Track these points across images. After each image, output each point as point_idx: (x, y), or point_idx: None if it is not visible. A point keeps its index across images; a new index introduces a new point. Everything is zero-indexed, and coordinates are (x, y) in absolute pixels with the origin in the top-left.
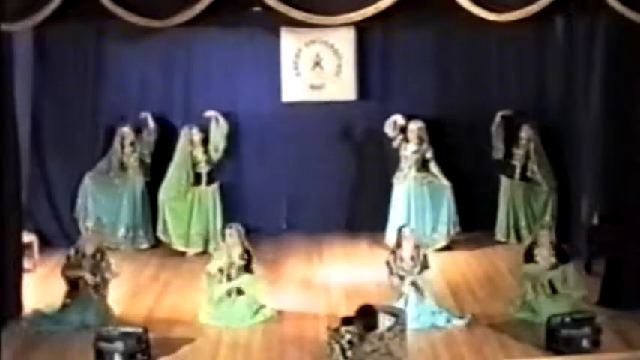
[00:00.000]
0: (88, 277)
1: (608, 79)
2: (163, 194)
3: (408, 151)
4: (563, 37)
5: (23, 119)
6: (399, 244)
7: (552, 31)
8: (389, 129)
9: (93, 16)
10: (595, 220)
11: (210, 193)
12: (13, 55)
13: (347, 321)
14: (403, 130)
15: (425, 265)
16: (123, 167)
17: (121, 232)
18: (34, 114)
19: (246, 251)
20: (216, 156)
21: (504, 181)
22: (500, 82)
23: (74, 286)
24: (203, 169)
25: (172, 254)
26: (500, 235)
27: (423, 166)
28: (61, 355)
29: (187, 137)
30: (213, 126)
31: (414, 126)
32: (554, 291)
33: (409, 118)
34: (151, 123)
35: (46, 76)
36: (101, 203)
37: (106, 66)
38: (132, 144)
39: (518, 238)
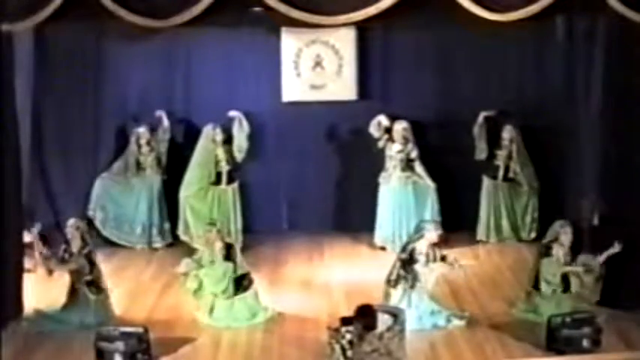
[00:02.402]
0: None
1: (607, 78)
2: (185, 193)
3: (393, 151)
4: (564, 37)
5: (23, 119)
6: (419, 237)
7: (552, 31)
8: (373, 129)
9: (93, 16)
10: (595, 220)
11: (230, 192)
12: (14, 55)
13: (346, 321)
14: (388, 130)
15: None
16: (140, 167)
17: (138, 231)
18: (34, 114)
19: (227, 245)
20: (240, 156)
21: (487, 181)
22: (501, 82)
23: (74, 286)
24: (224, 169)
25: (188, 253)
26: (481, 234)
27: (407, 166)
28: (61, 355)
29: (210, 136)
30: (236, 126)
31: (399, 126)
32: (565, 289)
33: (397, 118)
34: (166, 121)
35: (46, 76)
36: (119, 203)
37: (106, 66)
38: (148, 143)
39: (500, 238)
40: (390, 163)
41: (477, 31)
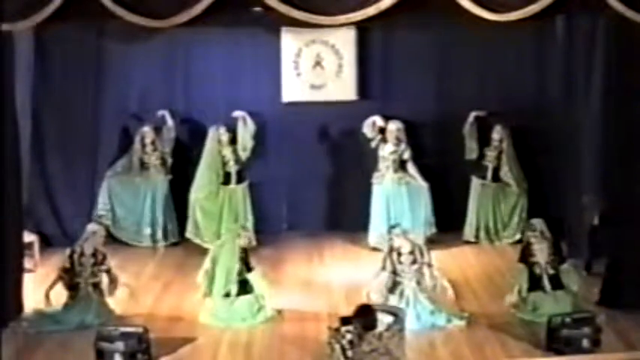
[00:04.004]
0: (86, 279)
1: (603, 79)
2: (194, 194)
3: (386, 152)
4: (562, 37)
5: (23, 119)
6: (393, 244)
7: (553, 31)
8: (367, 129)
9: (93, 16)
10: (595, 221)
11: (240, 191)
12: (13, 55)
13: (346, 321)
14: (382, 130)
15: (428, 264)
16: (144, 166)
17: (145, 230)
18: (34, 114)
19: (244, 250)
20: (244, 155)
21: (475, 181)
22: (501, 82)
23: (75, 286)
24: (232, 168)
25: (192, 253)
26: (468, 235)
27: (400, 166)
28: (61, 355)
29: (215, 137)
30: (240, 126)
31: (393, 126)
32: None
33: (397, 118)
34: (170, 121)
35: (46, 76)
36: (123, 202)
37: (105, 66)
38: (152, 143)
39: (488, 239)
40: (382, 164)
41: (478, 31)
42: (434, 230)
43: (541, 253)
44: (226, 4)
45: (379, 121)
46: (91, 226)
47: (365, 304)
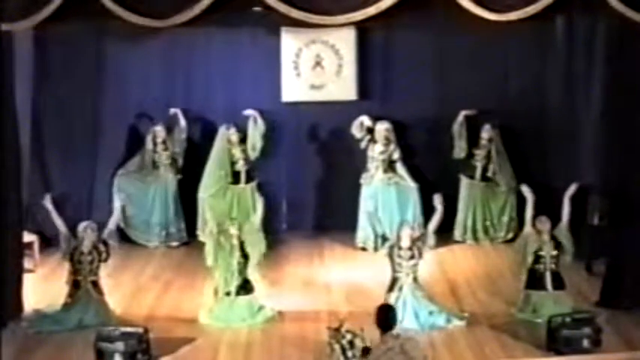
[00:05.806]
0: (85, 277)
1: (606, 78)
2: (203, 193)
3: (375, 152)
4: (563, 37)
5: (23, 119)
6: (398, 239)
7: (553, 31)
8: (355, 130)
9: (93, 16)
10: (595, 221)
11: (249, 190)
12: (14, 55)
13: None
14: (371, 130)
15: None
16: (155, 165)
17: (154, 230)
18: (34, 114)
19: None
20: (253, 154)
21: (465, 181)
22: (501, 82)
23: (76, 285)
24: (242, 168)
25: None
26: (458, 234)
27: (389, 167)
28: (61, 355)
29: (225, 136)
30: (251, 125)
31: (381, 127)
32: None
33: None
34: (182, 121)
35: (46, 76)
36: (133, 201)
37: (105, 66)
38: (163, 142)
39: (476, 238)
40: (372, 164)
41: (477, 31)
42: (423, 230)
43: (547, 248)
44: (226, 4)
45: (367, 121)
46: (83, 225)
47: (385, 304)
